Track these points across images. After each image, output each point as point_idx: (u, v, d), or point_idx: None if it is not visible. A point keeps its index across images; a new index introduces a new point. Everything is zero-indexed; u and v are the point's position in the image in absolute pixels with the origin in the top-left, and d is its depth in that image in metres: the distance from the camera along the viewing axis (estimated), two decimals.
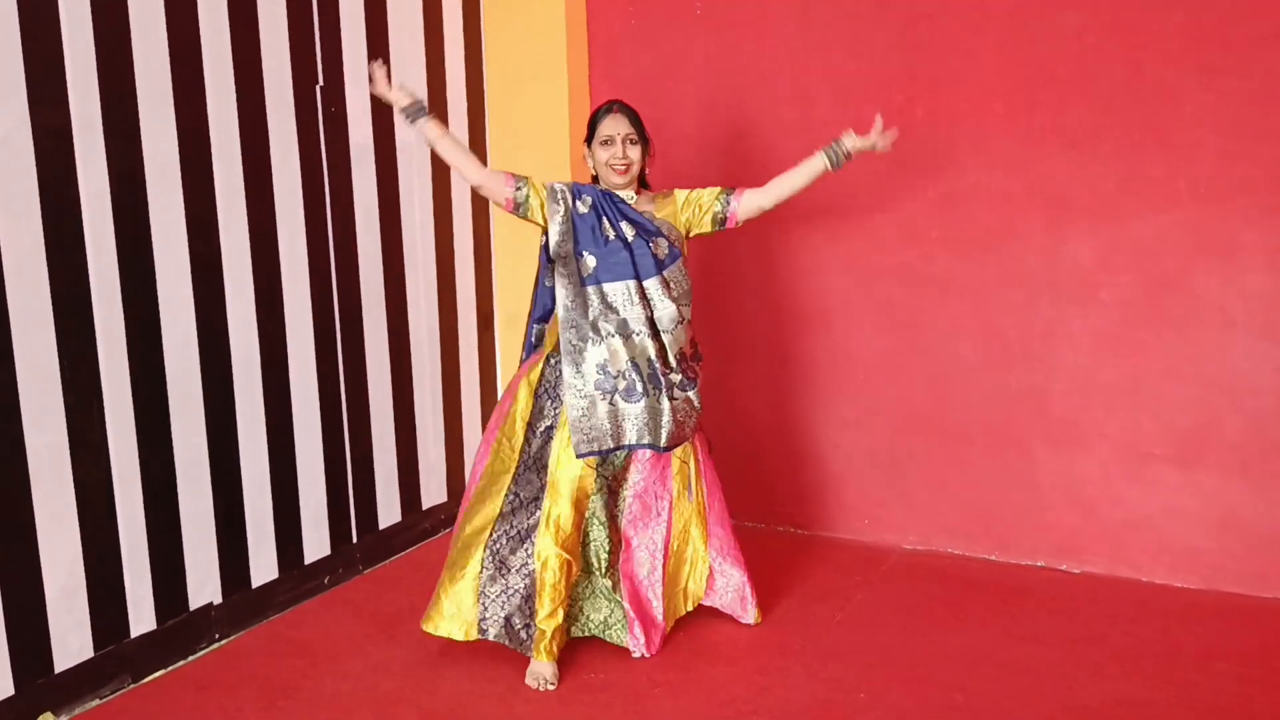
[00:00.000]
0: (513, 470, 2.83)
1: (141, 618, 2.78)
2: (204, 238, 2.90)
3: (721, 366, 3.67)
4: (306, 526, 3.31)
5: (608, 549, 2.87)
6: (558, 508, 2.75)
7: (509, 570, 2.76)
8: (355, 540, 3.50)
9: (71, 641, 2.60)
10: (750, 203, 2.85)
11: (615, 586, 2.87)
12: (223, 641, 3.00)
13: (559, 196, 2.78)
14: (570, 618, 2.85)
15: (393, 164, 3.56)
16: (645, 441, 2.73)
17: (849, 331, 3.66)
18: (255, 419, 3.10)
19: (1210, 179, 3.09)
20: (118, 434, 2.69)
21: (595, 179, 2.87)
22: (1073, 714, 2.51)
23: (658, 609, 2.89)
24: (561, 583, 2.72)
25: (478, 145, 3.94)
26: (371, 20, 3.44)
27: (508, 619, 2.73)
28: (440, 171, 3.76)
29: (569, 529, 2.74)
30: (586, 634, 2.90)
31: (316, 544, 3.35)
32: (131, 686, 2.74)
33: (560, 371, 2.77)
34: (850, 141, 2.81)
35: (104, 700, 2.67)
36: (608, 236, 2.76)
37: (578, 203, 2.78)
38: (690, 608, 2.99)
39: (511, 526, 2.80)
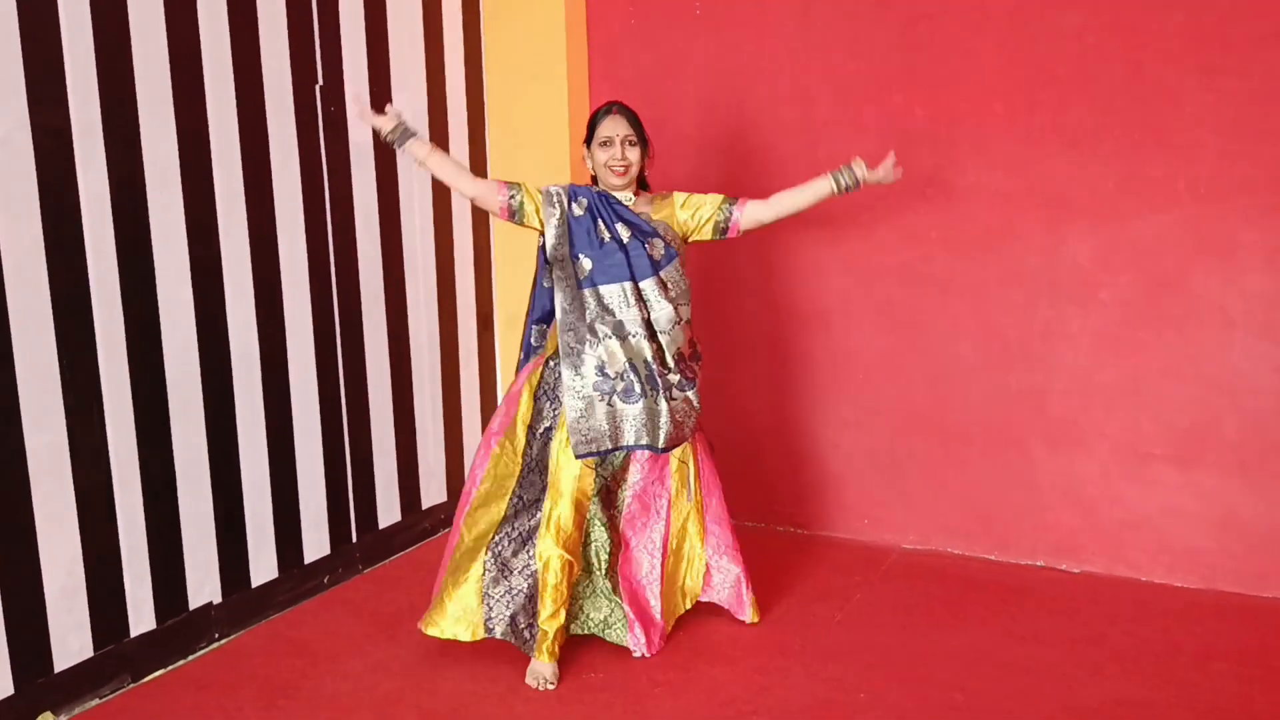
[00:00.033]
0: (517, 474, 2.85)
1: (141, 617, 2.79)
2: (204, 240, 2.90)
3: (721, 366, 3.67)
4: (306, 526, 3.31)
5: (608, 549, 2.87)
6: (558, 508, 2.75)
7: (511, 572, 2.77)
8: (355, 540, 3.51)
9: (71, 641, 2.61)
10: (753, 214, 2.84)
11: (615, 587, 2.87)
12: (222, 641, 3.01)
13: (554, 200, 2.78)
14: (570, 616, 2.86)
15: (393, 165, 3.56)
16: (643, 442, 2.73)
17: (849, 331, 3.66)
18: (255, 419, 3.10)
19: (1210, 179, 3.09)
20: (117, 435, 2.69)
21: (594, 180, 2.87)
22: (1072, 714, 2.52)
23: (657, 608, 2.89)
24: (563, 583, 2.72)
25: (477, 145, 3.95)
26: (371, 21, 3.44)
27: (513, 617, 2.74)
28: None
29: (570, 529, 2.75)
30: (586, 632, 2.90)
31: (316, 543, 3.35)
32: (131, 686, 2.75)
33: (559, 373, 2.77)
34: (860, 171, 2.80)
35: (104, 700, 2.67)
36: (603, 238, 2.76)
37: (573, 205, 2.78)
38: (688, 606, 3.00)
39: (513, 529, 2.81)
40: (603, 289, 2.74)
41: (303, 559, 3.30)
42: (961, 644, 2.89)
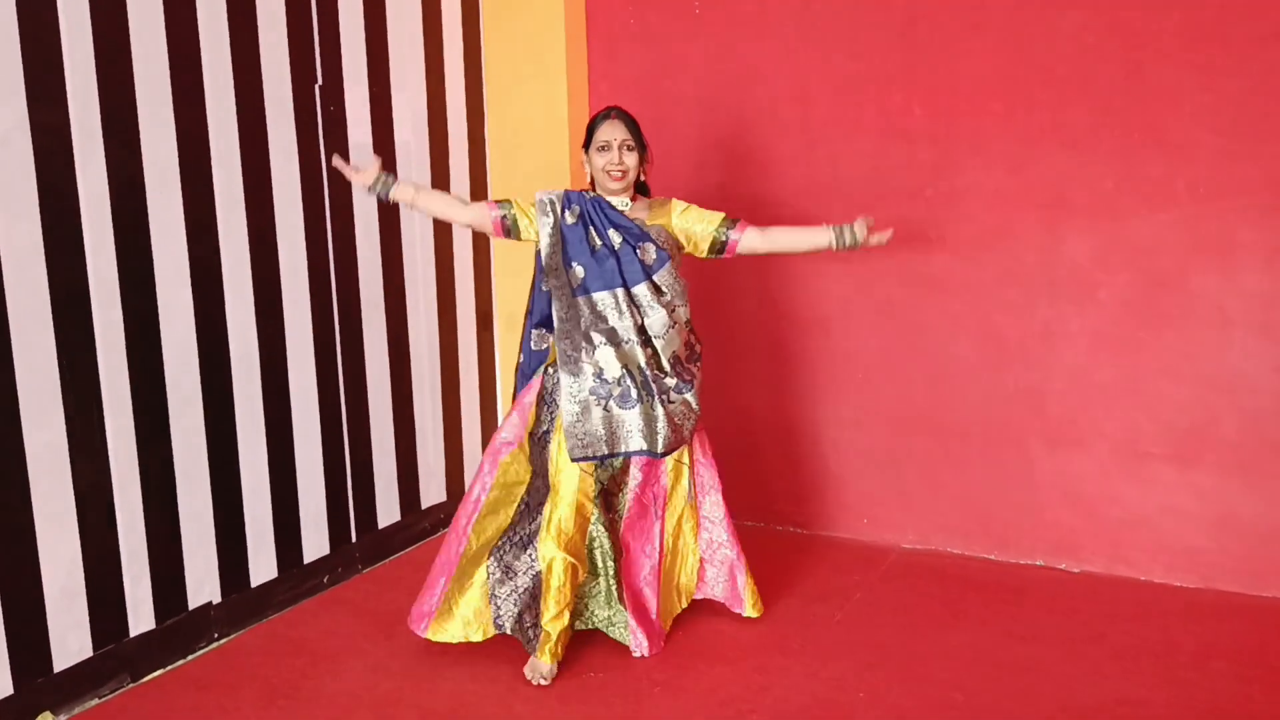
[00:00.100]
0: (527, 481, 2.89)
1: (140, 617, 2.79)
2: (203, 240, 2.90)
3: (721, 367, 3.67)
4: (305, 526, 3.31)
5: (612, 555, 2.87)
6: (559, 511, 2.75)
7: (515, 573, 2.80)
8: (354, 540, 3.51)
9: (71, 641, 2.61)
10: (750, 241, 2.85)
11: (620, 594, 2.87)
12: (222, 641, 3.01)
13: (547, 208, 2.78)
14: (575, 613, 2.86)
15: (392, 165, 3.55)
16: (642, 448, 2.74)
17: (848, 331, 3.66)
18: (254, 419, 3.10)
19: (1208, 178, 3.09)
20: (117, 435, 2.69)
21: (593, 184, 2.88)
22: (1071, 713, 2.52)
23: (655, 610, 2.90)
24: (566, 586, 2.73)
25: (477, 146, 3.95)
26: (370, 22, 3.45)
27: (519, 615, 2.77)
28: (439, 172, 3.77)
29: (571, 531, 2.75)
30: (590, 627, 2.91)
31: (316, 543, 3.35)
32: (131, 686, 2.75)
33: (559, 379, 2.78)
34: (861, 233, 2.81)
35: (103, 700, 2.67)
36: (595, 246, 2.76)
37: (565, 213, 2.78)
38: (684, 605, 3.01)
39: (515, 534, 2.83)
40: (596, 296, 2.75)
41: (302, 559, 3.30)
42: (961, 643, 2.89)
